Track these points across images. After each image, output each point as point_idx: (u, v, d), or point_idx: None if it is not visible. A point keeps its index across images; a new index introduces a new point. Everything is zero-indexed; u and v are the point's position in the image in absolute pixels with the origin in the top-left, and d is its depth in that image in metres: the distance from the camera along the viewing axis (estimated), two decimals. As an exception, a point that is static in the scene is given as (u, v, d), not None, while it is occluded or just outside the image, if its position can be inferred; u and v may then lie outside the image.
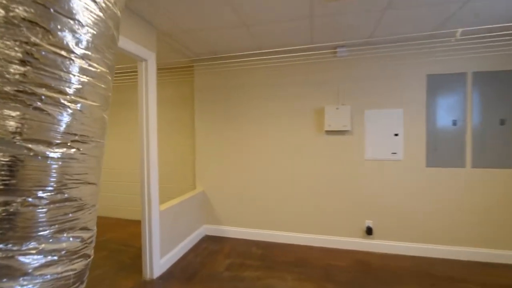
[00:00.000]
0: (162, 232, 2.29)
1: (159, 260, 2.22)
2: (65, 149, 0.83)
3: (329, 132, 2.76)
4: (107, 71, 0.98)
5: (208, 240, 2.98)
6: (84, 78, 0.88)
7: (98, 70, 0.93)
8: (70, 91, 0.82)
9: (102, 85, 0.96)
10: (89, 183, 0.98)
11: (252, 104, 2.96)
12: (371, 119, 2.66)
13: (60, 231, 0.79)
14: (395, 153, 2.62)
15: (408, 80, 2.55)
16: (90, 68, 0.90)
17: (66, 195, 0.87)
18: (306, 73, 2.79)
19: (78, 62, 0.83)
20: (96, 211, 1.02)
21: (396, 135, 2.61)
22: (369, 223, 2.67)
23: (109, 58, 0.98)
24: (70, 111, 0.80)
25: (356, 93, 2.68)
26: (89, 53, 0.87)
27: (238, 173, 3.02)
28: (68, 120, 0.81)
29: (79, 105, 0.86)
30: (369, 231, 2.65)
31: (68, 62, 0.80)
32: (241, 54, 2.90)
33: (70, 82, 0.82)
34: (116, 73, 3.60)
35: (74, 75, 0.82)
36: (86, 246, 0.92)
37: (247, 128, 2.98)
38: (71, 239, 0.84)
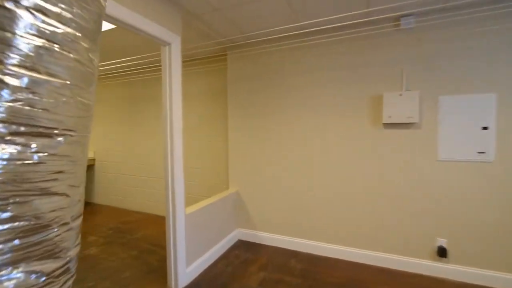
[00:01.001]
0: (189, 238, 2.05)
1: (185, 269, 1.99)
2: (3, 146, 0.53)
3: (388, 126, 2.22)
4: (80, 35, 0.70)
5: (241, 246, 2.69)
6: (37, 42, 0.57)
7: (61, 32, 0.63)
8: (10, 59, 0.54)
9: (71, 55, 0.67)
10: (54, 194, 0.68)
11: (293, 95, 2.55)
12: (447, 107, 2.04)
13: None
14: (482, 152, 1.97)
15: (503, 54, 1.87)
16: (46, 26, 0.59)
17: (8, 213, 0.57)
18: (360, 52, 2.27)
19: (25, 16, 0.55)
20: (74, 229, 0.75)
21: (484, 128, 1.96)
22: (442, 242, 2.08)
23: (85, 17, 0.69)
24: (7, 90, 0.52)
25: (426, 75, 2.08)
26: (45, 3, 0.58)
27: (277, 173, 2.65)
28: (5, 102, 0.53)
29: (25, 79, 0.56)
30: (442, 253, 2.06)
31: (7, 15, 0.53)
32: (280, 36, 2.50)
33: (9, 46, 0.53)
34: (147, 66, 3.51)
35: (17, 36, 0.54)
36: (52, 282, 0.65)
37: (287, 122, 2.59)
38: (19, 275, 0.58)
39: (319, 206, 2.48)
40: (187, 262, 2.03)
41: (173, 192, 1.90)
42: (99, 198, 4.29)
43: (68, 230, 0.70)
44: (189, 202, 3.37)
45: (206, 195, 3.27)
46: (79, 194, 0.72)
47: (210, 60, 3.17)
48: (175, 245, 1.92)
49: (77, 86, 0.66)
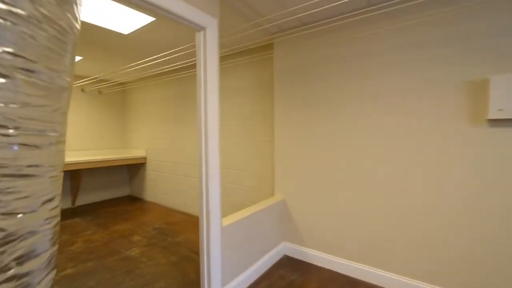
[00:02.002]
0: (225, 254, 1.77)
1: (220, 290, 1.72)
2: None
3: (498, 123, 1.57)
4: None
5: (287, 263, 2.31)
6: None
7: None
8: None
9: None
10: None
11: (354, 86, 2.06)
12: None
13: None
14: None
15: None
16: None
17: None
18: (450, 22, 1.67)
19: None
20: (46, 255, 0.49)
21: None
22: None
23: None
24: None
25: None
26: None
27: (333, 182, 2.20)
28: None
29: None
30: None
31: None
32: (338, 18, 2.05)
33: None
34: (193, 60, 3.38)
35: None
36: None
37: (345, 119, 2.11)
38: None
39: (388, 226, 1.94)
40: (222, 281, 1.75)
41: (207, 202, 1.64)
42: (149, 195, 4.42)
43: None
44: (229, 206, 3.14)
45: (249, 200, 2.98)
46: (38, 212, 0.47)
47: (253, 50, 2.87)
48: (208, 262, 1.66)
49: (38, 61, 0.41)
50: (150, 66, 3.47)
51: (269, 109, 2.80)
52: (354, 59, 2.05)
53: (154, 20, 2.18)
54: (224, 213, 3.21)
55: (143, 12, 2.03)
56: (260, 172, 2.88)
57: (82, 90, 4.18)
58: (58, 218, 0.63)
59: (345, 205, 2.13)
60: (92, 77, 4.04)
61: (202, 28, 1.59)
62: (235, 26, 2.28)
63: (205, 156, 1.63)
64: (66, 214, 3.72)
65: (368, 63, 1.98)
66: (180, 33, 2.44)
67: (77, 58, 3.19)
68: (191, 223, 3.34)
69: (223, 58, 3.15)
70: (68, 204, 4.03)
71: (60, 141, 0.61)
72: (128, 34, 2.45)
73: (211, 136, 1.63)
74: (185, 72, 3.64)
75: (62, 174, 0.63)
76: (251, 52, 2.91)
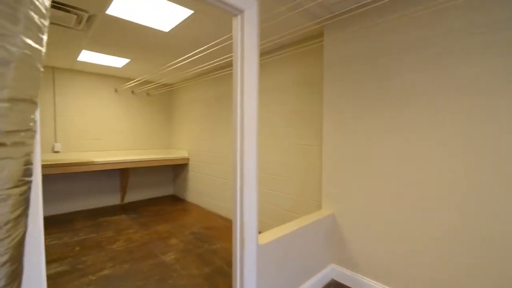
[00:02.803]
0: (262, 277, 1.50)
1: (254, 321, 1.45)
2: None
3: None
4: None
5: (335, 291, 1.94)
6: None
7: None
8: None
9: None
10: None
11: (430, 79, 1.61)
12: None
13: None
14: None
15: None
16: None
17: None
18: None
19: None
20: None
21: None
22: None
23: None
24: None
25: None
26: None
27: (397, 198, 1.77)
28: None
29: None
30: None
31: None
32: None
33: None
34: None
35: None
36: None
37: (419, 124, 1.67)
38: None
39: (475, 264, 1.43)
40: (258, 310, 1.48)
41: (241, 214, 1.39)
42: (191, 196, 4.41)
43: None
44: (267, 215, 2.86)
45: (290, 210, 2.66)
46: None
47: (296, 41, 2.55)
48: (242, 285, 1.40)
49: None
50: (191, 64, 3.41)
51: (315, 109, 2.45)
52: (429, 44, 1.59)
53: (192, 14, 2.04)
54: (261, 223, 2.95)
55: (179, 3, 1.90)
56: (304, 180, 2.54)
57: (132, 92, 4.38)
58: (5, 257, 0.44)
59: (414, 230, 1.67)
60: (137, 79, 4.19)
61: (239, 12, 1.35)
62: (277, 11, 2.01)
63: (240, 161, 1.38)
64: (115, 210, 3.90)
65: (450, 47, 1.51)
66: (220, 26, 2.27)
67: (125, 61, 3.30)
68: (229, 230, 3.16)
69: (262, 53, 2.91)
70: (117, 201, 4.24)
71: (12, 143, 0.41)
72: (169, 31, 2.38)
73: (247, 138, 1.38)
74: (225, 70, 3.50)
75: (16, 191, 0.44)
76: (294, 44, 2.60)
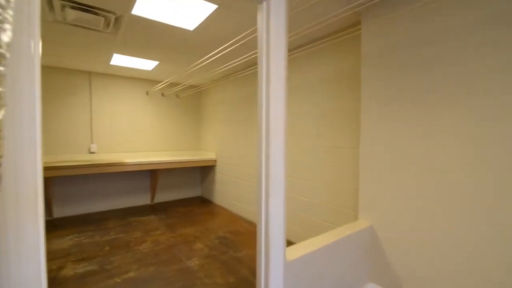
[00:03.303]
0: (290, 298, 1.32)
1: None
2: None
3: None
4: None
5: (376, 316, 1.68)
6: None
7: None
8: None
9: None
10: None
11: (492, 67, 1.30)
12: None
13: None
14: None
15: None
16: None
17: None
18: None
19: None
20: None
21: None
22: None
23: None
24: None
25: None
26: None
27: (455, 210, 1.47)
28: None
29: None
30: None
31: None
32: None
33: None
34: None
35: None
36: None
37: (479, 118, 1.36)
38: None
39: None
40: (285, 336, 1.30)
41: (266, 226, 1.23)
42: (218, 199, 4.35)
43: None
44: (295, 223, 2.65)
45: (321, 218, 2.43)
46: None
47: (328, 34, 2.31)
48: (267, 307, 1.24)
49: None
50: (217, 62, 3.33)
51: (349, 107, 2.20)
52: (503, 22, 1.29)
53: (216, 9, 1.94)
54: (288, 230, 2.75)
55: (204, -2, 1.80)
56: (336, 186, 2.30)
57: (162, 94, 4.46)
58: None
59: (477, 247, 1.36)
60: (166, 81, 4.23)
61: (264, -3, 1.20)
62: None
63: (265, 166, 1.22)
64: (145, 210, 3.98)
65: (534, 23, 1.20)
66: (245, 20, 2.14)
67: (154, 63, 3.33)
68: (255, 236, 3.01)
69: (289, 48, 2.72)
70: (147, 201, 4.33)
71: None
72: (194, 29, 2.31)
73: (274, 141, 1.21)
74: (252, 68, 3.37)
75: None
76: (325, 36, 2.37)
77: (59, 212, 3.57)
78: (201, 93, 4.84)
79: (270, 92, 1.22)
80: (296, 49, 2.69)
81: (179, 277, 2.12)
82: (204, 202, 4.47)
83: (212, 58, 2.86)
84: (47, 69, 3.46)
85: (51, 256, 2.45)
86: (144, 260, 2.40)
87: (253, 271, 2.22)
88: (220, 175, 4.27)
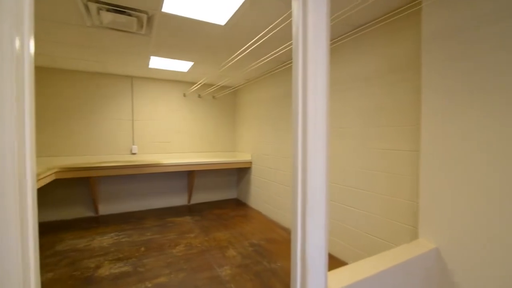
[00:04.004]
0: (333, 336, 1.07)
1: None
2: None
3: None
4: None
5: None
6: None
7: None
8: None
9: None
10: None
11: None
12: None
13: None
14: None
15: None
16: None
17: None
18: None
19: None
20: None
21: None
22: None
23: None
24: None
25: None
26: None
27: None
28: None
29: None
30: None
31: None
32: None
33: None
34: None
35: None
36: None
37: None
38: None
39: None
40: None
41: (303, 250, 1.00)
42: (253, 202, 4.20)
43: None
44: (342, 234, 2.33)
45: (373, 234, 2.09)
46: None
47: (382, 13, 1.96)
48: None
49: None
50: (251, 58, 3.17)
51: (406, 102, 1.84)
52: None
53: (246, 0, 1.76)
54: (330, 243, 2.44)
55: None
56: (391, 195, 1.94)
57: (199, 96, 4.47)
58: None
59: None
60: (201, 81, 4.22)
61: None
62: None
63: (302, 175, 0.99)
64: (181, 211, 4.01)
65: None
66: (279, 9, 1.93)
67: (189, 64, 3.31)
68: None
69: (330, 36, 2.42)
70: (184, 201, 4.37)
71: None
72: (226, 24, 2.17)
73: (313, 143, 0.98)
74: (290, 63, 3.13)
75: None
76: (373, 20, 2.03)
77: (103, 210, 3.77)
78: (237, 93, 4.75)
79: (307, 85, 0.99)
80: (338, 38, 2.39)
81: (209, 287, 2.00)
82: (239, 205, 4.35)
83: (245, 52, 2.70)
84: (93, 75, 3.69)
85: (91, 254, 2.54)
86: (176, 264, 2.34)
87: (288, 286, 1.99)
88: (255, 177, 4.11)
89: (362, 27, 2.15)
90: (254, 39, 2.28)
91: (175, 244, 2.79)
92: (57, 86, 3.49)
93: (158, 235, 3.04)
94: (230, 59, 2.91)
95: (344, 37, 2.33)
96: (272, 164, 3.61)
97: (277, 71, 3.46)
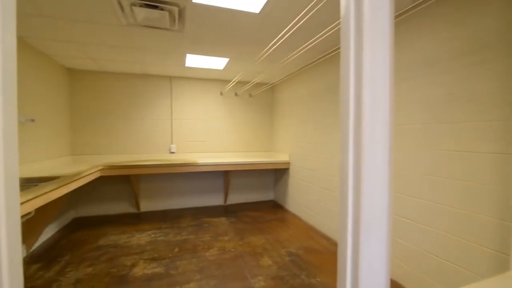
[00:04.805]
0: None
1: None
2: None
3: None
4: None
5: None
6: None
7: None
8: None
9: None
10: None
11: None
12: None
13: None
14: None
15: None
16: None
17: None
18: None
19: None
20: None
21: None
22: None
23: None
24: None
25: None
26: None
27: None
28: None
29: None
30: None
31: None
32: None
33: None
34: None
35: None
36: None
37: None
38: None
39: None
40: None
41: (355, 270, 0.74)
42: (291, 205, 3.94)
43: None
44: (401, 252, 1.95)
45: (442, 256, 1.68)
46: None
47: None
48: None
49: None
50: (288, 47, 2.92)
51: (486, 91, 1.41)
52: None
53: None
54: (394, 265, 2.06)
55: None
56: (468, 210, 1.53)
57: (236, 94, 4.37)
58: None
59: None
60: (237, 77, 4.09)
61: None
62: None
63: (354, 183, 0.73)
64: (217, 211, 3.94)
65: None
66: (323, -13, 1.65)
67: (225, 60, 3.20)
68: (334, 258, 2.46)
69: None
70: (221, 202, 4.31)
71: None
72: (260, 11, 1.98)
73: (369, 145, 0.71)
74: (335, 50, 2.81)
75: None
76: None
77: (144, 207, 3.90)
78: (274, 90, 4.54)
79: (362, 74, 0.72)
80: (398, 13, 2.01)
81: (240, 299, 1.82)
82: (276, 208, 4.13)
83: (281, 41, 2.47)
84: (134, 76, 3.82)
85: (129, 251, 2.58)
86: (208, 270, 2.22)
87: (330, 311, 1.71)
88: (294, 179, 3.85)
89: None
90: (289, 26, 2.04)
91: (209, 246, 2.69)
92: (103, 88, 3.70)
93: (193, 235, 2.99)
94: (265, 50, 2.70)
95: (407, 10, 1.95)
96: (313, 166, 3.31)
97: (316, 62, 3.15)
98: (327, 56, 2.92)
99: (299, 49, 2.64)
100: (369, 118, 0.71)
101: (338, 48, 2.67)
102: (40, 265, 2.28)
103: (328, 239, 2.89)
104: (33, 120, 2.56)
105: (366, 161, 0.69)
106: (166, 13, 2.01)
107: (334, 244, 2.74)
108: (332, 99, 2.91)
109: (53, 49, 2.78)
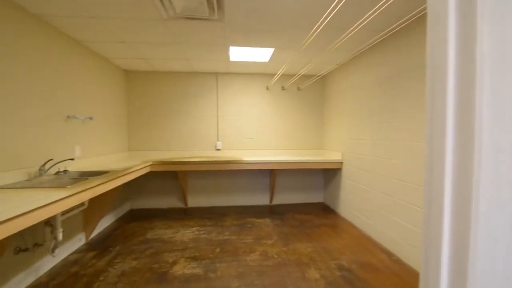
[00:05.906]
0: None
1: None
2: None
3: None
4: None
5: None
6: None
7: None
8: None
9: None
10: None
11: None
12: None
13: None
14: None
15: None
16: None
17: None
18: None
19: None
20: None
21: None
22: None
23: None
24: None
25: None
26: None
27: None
28: None
29: None
30: None
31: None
32: None
33: None
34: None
35: None
36: None
37: None
38: None
39: None
40: None
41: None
42: (343, 210, 3.52)
43: None
44: None
45: None
46: None
47: None
48: None
49: None
50: (334, 29, 2.53)
51: None
52: None
53: None
54: None
55: None
56: None
57: (282, 88, 4.12)
58: None
59: None
60: (283, 67, 3.80)
61: None
62: None
63: (452, 200, 0.43)
64: (262, 211, 3.77)
65: None
66: None
67: (270, 51, 2.97)
68: (399, 279, 2.02)
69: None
70: (266, 201, 4.13)
71: None
72: (306, -15, 1.69)
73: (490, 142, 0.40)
74: (388, 31, 2.32)
75: None
76: None
77: (192, 202, 3.97)
78: (324, 81, 4.13)
79: (484, 41, 0.41)
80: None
81: (280, 318, 1.59)
82: (326, 211, 3.76)
83: (327, 19, 2.13)
84: (182, 74, 3.89)
85: (172, 247, 2.58)
86: (247, 276, 2.05)
87: None
88: (346, 181, 3.42)
89: None
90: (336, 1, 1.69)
91: (250, 250, 2.53)
92: (154, 88, 3.86)
93: (235, 236, 2.87)
94: (311, 32, 2.38)
95: None
96: (370, 167, 2.85)
97: (375, 43, 2.68)
98: (385, 36, 2.44)
99: (349, 31, 2.25)
100: (489, 106, 0.40)
101: (405, 22, 2.18)
102: (95, 253, 2.44)
103: (388, 254, 2.43)
104: (91, 118, 2.77)
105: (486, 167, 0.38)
106: (204, 1, 1.88)
107: (397, 261, 2.28)
108: (394, 88, 2.42)
109: (109, 51, 2.96)
